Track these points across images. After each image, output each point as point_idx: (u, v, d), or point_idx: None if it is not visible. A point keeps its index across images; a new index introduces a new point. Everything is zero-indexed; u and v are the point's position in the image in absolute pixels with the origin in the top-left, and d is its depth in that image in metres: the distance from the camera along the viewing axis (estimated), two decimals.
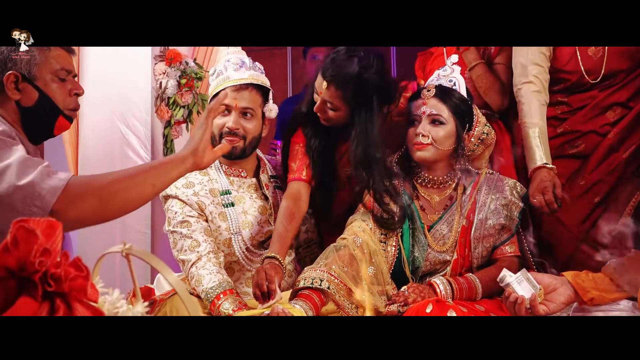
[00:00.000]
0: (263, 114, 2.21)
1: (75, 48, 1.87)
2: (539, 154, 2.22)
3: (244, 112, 2.15)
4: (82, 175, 1.54)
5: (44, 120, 1.71)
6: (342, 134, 2.23)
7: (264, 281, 1.90)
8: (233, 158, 2.20)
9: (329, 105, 2.10)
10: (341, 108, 2.10)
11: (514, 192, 2.11)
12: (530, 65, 2.33)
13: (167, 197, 2.16)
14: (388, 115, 2.18)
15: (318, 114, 2.16)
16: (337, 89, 2.07)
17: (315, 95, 2.15)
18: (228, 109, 2.15)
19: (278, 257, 1.99)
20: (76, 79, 1.78)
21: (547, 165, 2.19)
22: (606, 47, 2.30)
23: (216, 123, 2.16)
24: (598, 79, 2.33)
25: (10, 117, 1.67)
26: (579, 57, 2.32)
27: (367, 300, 1.87)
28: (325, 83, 2.07)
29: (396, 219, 2.05)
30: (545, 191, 2.12)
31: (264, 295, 1.89)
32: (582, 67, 2.32)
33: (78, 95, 1.77)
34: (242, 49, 2.30)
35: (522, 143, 2.32)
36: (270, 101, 2.23)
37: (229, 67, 2.18)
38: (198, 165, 1.55)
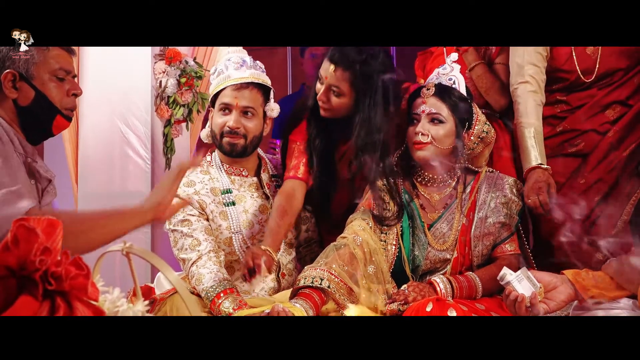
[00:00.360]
0: (264, 113, 2.21)
1: (75, 48, 1.87)
2: (534, 154, 2.23)
3: (244, 111, 2.15)
4: (44, 208, 1.56)
5: (41, 119, 1.71)
6: (343, 134, 2.23)
7: (249, 258, 1.90)
8: (234, 155, 2.20)
9: (334, 89, 2.10)
10: (346, 93, 2.10)
11: (514, 190, 2.11)
12: (527, 66, 2.33)
13: None
14: (395, 117, 2.18)
15: (320, 103, 2.15)
16: (344, 70, 2.07)
17: (318, 85, 2.15)
18: (229, 108, 2.15)
19: (269, 249, 1.99)
20: (76, 79, 1.78)
21: (542, 166, 2.20)
22: (600, 47, 2.30)
23: (217, 122, 2.17)
24: (592, 79, 2.33)
25: (8, 117, 1.68)
26: (574, 57, 2.33)
27: (368, 301, 1.87)
28: (332, 66, 2.08)
29: (393, 213, 2.05)
30: (540, 192, 2.12)
31: (251, 272, 1.89)
32: (577, 67, 2.33)
33: (76, 95, 1.77)
34: (243, 48, 2.30)
35: (518, 143, 2.32)
36: (272, 100, 2.23)
37: (230, 66, 2.18)
38: (158, 220, 1.58)
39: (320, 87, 2.14)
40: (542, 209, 2.11)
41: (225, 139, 2.16)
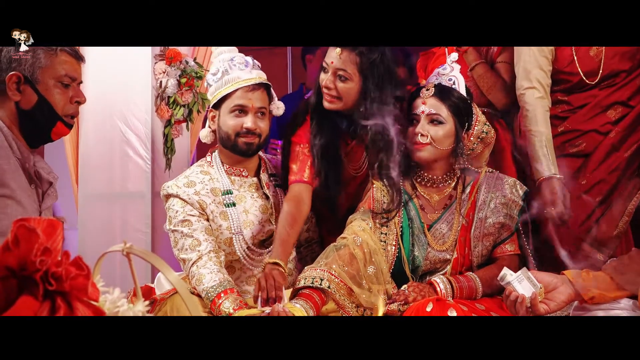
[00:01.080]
0: (269, 111, 2.23)
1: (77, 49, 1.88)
2: (547, 163, 2.24)
3: (257, 112, 2.16)
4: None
5: (42, 124, 1.71)
6: (348, 129, 2.23)
7: (272, 288, 1.90)
8: (249, 154, 2.21)
9: (340, 73, 2.10)
10: (352, 78, 2.10)
11: (514, 190, 2.10)
12: (534, 70, 2.33)
13: (168, 196, 2.16)
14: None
15: (325, 91, 2.15)
16: (351, 52, 2.08)
17: (322, 75, 2.15)
18: (244, 110, 2.15)
19: (281, 263, 1.99)
20: (81, 86, 1.78)
21: (556, 176, 2.20)
22: (603, 49, 2.30)
23: (229, 124, 2.15)
24: (596, 81, 2.33)
25: (9, 119, 1.68)
26: (576, 60, 2.33)
27: (375, 301, 1.87)
28: (338, 49, 2.09)
29: (390, 207, 2.05)
30: (556, 204, 2.13)
31: (268, 301, 1.89)
32: (579, 70, 2.33)
33: (79, 103, 1.77)
34: (240, 49, 2.29)
35: (527, 150, 2.32)
36: (276, 98, 2.24)
37: (234, 66, 2.18)
38: None
39: (324, 77, 2.14)
40: (560, 221, 2.13)
41: (242, 139, 2.16)
